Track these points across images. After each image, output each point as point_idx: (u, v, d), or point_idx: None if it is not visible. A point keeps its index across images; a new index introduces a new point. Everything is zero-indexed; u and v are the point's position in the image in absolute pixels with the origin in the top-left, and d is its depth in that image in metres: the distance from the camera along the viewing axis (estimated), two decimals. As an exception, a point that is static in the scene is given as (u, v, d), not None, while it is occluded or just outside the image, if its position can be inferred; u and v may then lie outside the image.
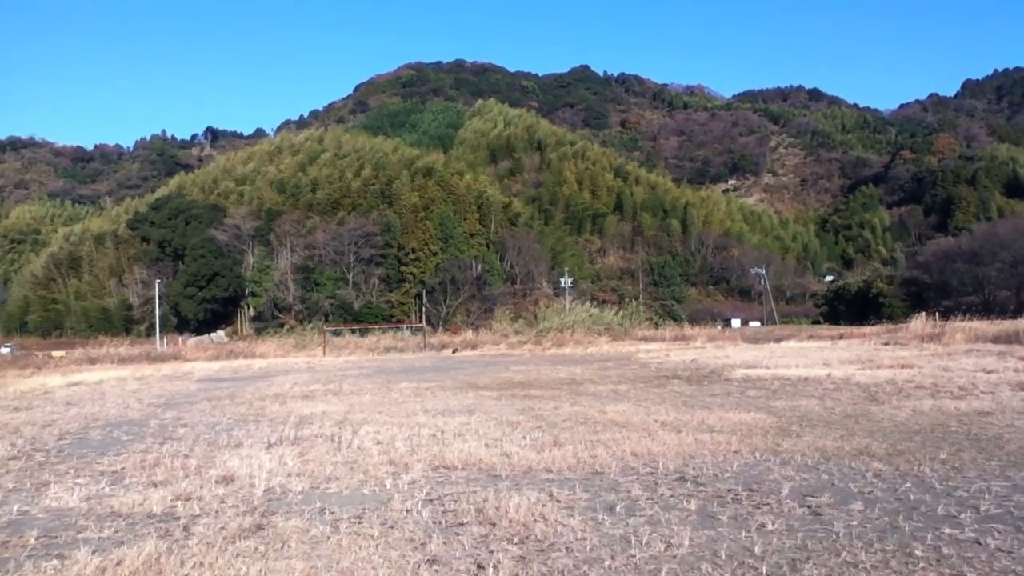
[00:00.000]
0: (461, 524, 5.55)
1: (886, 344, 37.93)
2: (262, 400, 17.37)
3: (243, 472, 7.91)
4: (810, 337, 48.57)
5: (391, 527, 5.49)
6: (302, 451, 9.36)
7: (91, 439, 11.60)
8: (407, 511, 5.98)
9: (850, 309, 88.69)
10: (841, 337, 45.93)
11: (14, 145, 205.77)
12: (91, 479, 7.95)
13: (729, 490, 6.43)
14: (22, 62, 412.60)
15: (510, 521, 5.48)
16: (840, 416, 11.56)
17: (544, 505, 5.96)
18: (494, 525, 5.45)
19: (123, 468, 8.55)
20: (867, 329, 51.42)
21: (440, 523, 5.61)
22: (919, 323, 42.98)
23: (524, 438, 9.89)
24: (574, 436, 9.91)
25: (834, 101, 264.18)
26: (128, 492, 7.06)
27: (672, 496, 6.27)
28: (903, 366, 21.72)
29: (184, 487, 7.13)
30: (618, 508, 5.87)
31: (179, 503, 6.55)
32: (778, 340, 47.68)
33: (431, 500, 6.41)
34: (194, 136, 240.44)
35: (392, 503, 6.28)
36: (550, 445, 9.16)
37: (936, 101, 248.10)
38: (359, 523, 5.66)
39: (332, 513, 6.03)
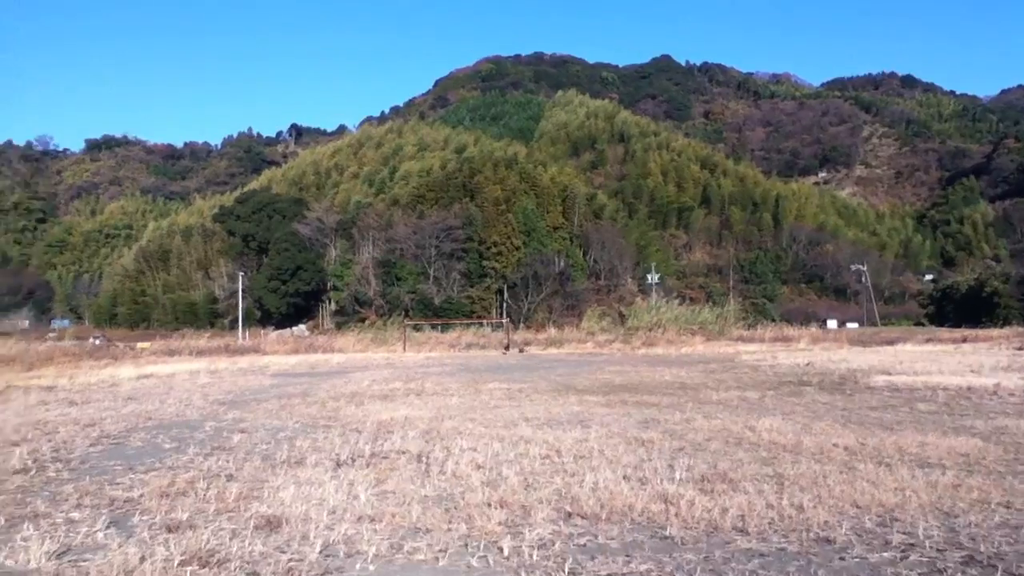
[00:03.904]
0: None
1: (1020, 349, 33.93)
2: (336, 400, 15.29)
3: (296, 511, 5.62)
4: (928, 340, 44.34)
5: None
6: (379, 477, 7.04)
7: (128, 446, 9.59)
8: (552, 619, 3.53)
9: (958, 310, 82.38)
10: (964, 340, 41.70)
11: (108, 144, 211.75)
12: (89, 514, 5.77)
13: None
14: (117, 63, 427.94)
15: (758, 667, 2.98)
16: (1086, 443, 8.66)
17: (794, 620, 3.43)
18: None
19: (141, 495, 6.36)
20: (994, 332, 46.84)
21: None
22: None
23: (671, 467, 7.35)
24: (740, 467, 7.32)
25: (929, 88, 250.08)
26: (126, 543, 4.84)
27: (1004, 605, 3.65)
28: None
29: (206, 538, 4.85)
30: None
31: (188, 572, 4.26)
32: (890, 343, 43.64)
33: (586, 592, 3.95)
34: (279, 133, 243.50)
35: (523, 596, 3.85)
36: (717, 481, 6.60)
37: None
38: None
39: (425, 615, 3.64)
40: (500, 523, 5.27)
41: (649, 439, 9.25)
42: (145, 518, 5.58)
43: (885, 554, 4.53)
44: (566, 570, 4.26)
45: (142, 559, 4.42)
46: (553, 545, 4.77)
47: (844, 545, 4.73)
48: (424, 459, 7.91)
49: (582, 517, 5.47)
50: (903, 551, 4.58)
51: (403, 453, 8.34)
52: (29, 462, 8.23)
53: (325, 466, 7.62)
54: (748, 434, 9.63)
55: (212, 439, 10.06)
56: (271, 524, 5.29)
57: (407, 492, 6.32)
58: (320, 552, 4.64)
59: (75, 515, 5.74)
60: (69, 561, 4.54)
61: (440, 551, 4.68)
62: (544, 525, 5.23)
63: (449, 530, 5.13)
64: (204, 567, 4.35)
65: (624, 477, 6.84)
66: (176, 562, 4.40)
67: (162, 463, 8.14)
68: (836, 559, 4.47)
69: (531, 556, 4.54)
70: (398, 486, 6.59)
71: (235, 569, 4.32)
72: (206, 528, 5.13)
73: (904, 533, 4.94)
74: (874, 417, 11.50)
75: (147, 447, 9.50)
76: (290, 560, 4.48)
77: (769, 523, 5.20)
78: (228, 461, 8.10)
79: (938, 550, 4.58)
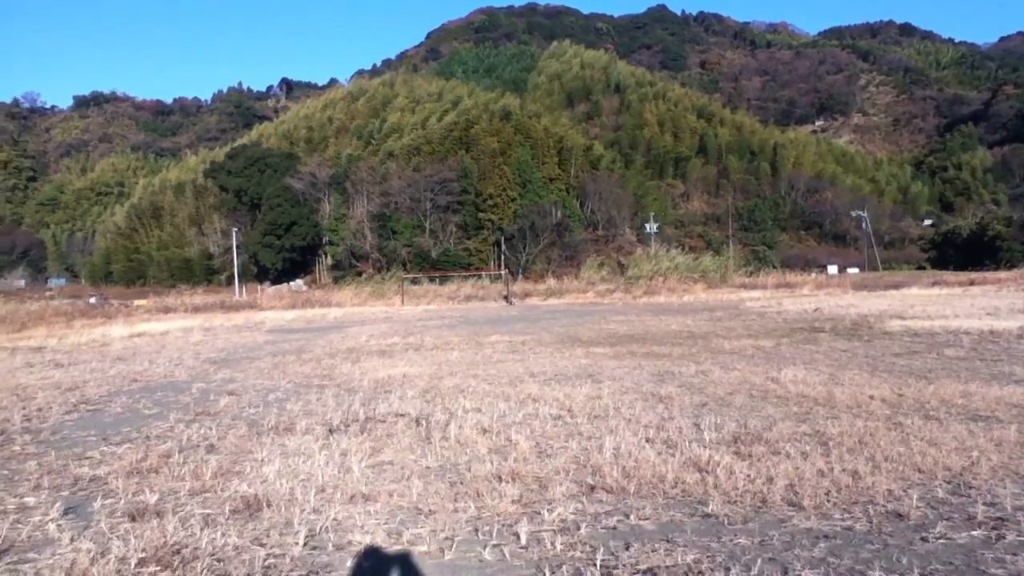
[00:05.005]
0: None
1: (1029, 291, 33.36)
2: (332, 357, 14.60)
3: (281, 490, 4.93)
4: (934, 283, 43.69)
5: None
6: (375, 444, 6.34)
7: (106, 413, 8.89)
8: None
9: (960, 254, 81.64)
10: (972, 283, 41.06)
11: (97, 100, 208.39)
12: (47, 498, 5.06)
13: None
14: (102, 18, 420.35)
15: None
16: None
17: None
18: None
19: (108, 473, 5.66)
20: (1001, 274, 46.18)
21: None
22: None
23: (697, 426, 6.66)
24: (773, 425, 6.61)
25: (927, 36, 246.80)
26: (80, 537, 4.14)
27: None
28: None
29: (173, 528, 4.15)
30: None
31: (145, 573, 3.56)
32: (896, 287, 43.01)
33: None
34: (270, 87, 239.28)
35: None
36: (752, 442, 5.90)
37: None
38: None
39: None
40: (513, 501, 4.57)
41: (667, 394, 8.57)
42: (108, 502, 4.87)
43: (974, 533, 3.85)
44: (598, 563, 3.57)
45: (93, 560, 3.72)
46: (578, 529, 4.08)
47: (920, 522, 4.04)
48: (424, 423, 7.21)
49: (607, 491, 4.77)
50: (994, 528, 3.89)
51: (401, 416, 7.64)
52: (-5, 433, 7.54)
53: (316, 433, 6.91)
54: (772, 386, 8.95)
55: (198, 403, 9.38)
56: (251, 507, 4.59)
57: (406, 463, 5.63)
58: (304, 544, 3.95)
59: (30, 500, 5.04)
60: (7, 564, 3.83)
61: (446, 539, 3.99)
62: (564, 502, 4.53)
63: (455, 511, 4.44)
64: (165, 568, 3.64)
65: (647, 440, 6.15)
66: (133, 562, 3.70)
67: (139, 432, 7.45)
68: (917, 540, 3.78)
69: (553, 544, 3.84)
70: (396, 456, 5.90)
71: (201, 571, 3.62)
72: (175, 515, 4.43)
73: (988, 504, 4.24)
74: (902, 364, 10.83)
75: (127, 413, 8.81)
76: (268, 556, 3.78)
77: (825, 494, 4.50)
78: (211, 428, 7.40)
79: (1029, 522, 3.90)
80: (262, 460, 5.84)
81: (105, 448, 6.68)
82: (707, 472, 5.02)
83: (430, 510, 4.47)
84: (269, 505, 4.61)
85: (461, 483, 5.03)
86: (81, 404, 9.59)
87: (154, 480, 5.37)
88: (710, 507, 4.36)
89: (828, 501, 4.40)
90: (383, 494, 4.78)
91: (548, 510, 4.37)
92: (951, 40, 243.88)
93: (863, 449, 5.55)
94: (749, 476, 4.88)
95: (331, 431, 7.02)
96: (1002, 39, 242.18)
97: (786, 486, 4.66)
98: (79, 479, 5.56)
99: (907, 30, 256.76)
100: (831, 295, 37.42)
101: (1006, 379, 9.08)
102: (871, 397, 7.95)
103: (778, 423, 6.66)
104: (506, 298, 44.40)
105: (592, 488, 4.84)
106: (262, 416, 8.07)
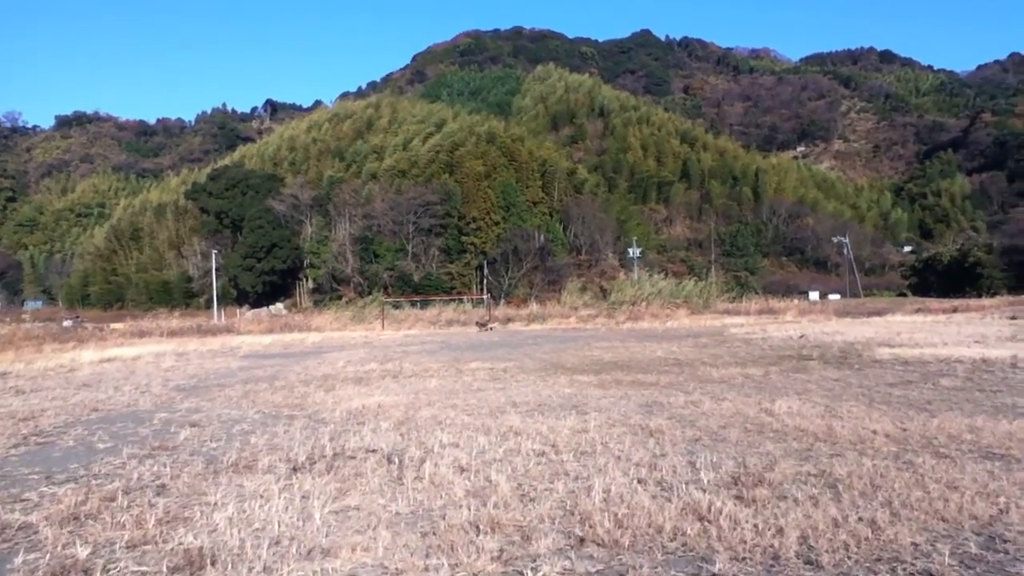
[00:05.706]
0: None
1: (1013, 319, 33.23)
2: (306, 385, 14.01)
3: (231, 542, 4.37)
4: (917, 310, 43.57)
5: None
6: (341, 485, 5.78)
7: (57, 446, 8.27)
8: None
9: (942, 280, 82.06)
10: (955, 310, 40.96)
11: (79, 120, 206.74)
12: (-37, 552, 4.47)
13: None
14: (86, 38, 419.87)
15: None
16: None
17: None
18: None
19: (41, 520, 5.06)
20: (985, 301, 46.22)
21: None
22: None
23: (692, 465, 6.16)
24: (774, 464, 6.11)
25: (907, 63, 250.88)
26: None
27: None
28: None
29: (99, 593, 3.59)
30: None
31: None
32: (879, 314, 42.85)
33: None
34: (254, 109, 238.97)
35: None
36: (753, 484, 5.39)
37: (1018, 60, 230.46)
38: None
39: None
40: (493, 557, 4.04)
41: (657, 427, 8.06)
42: (31, 557, 4.29)
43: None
44: (590, 641, 3.05)
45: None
46: (568, 597, 3.56)
47: (957, 586, 3.55)
48: (396, 460, 6.65)
49: (598, 544, 4.25)
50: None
51: (372, 452, 7.08)
52: (-72, 471, 6.90)
53: (278, 472, 6.34)
54: (767, 419, 8.47)
55: (157, 435, 8.77)
56: (193, 565, 4.03)
57: (374, 509, 5.07)
58: (248, 614, 3.40)
59: (-61, 555, 4.44)
60: None
61: (414, 607, 3.46)
62: (551, 559, 4.00)
63: (426, 570, 3.90)
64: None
65: (639, 481, 5.64)
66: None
67: (88, 470, 6.85)
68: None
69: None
70: (363, 500, 5.34)
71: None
72: (105, 574, 3.87)
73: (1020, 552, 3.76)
74: (898, 396, 10.40)
75: (79, 447, 8.19)
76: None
77: (844, 549, 4.00)
78: (165, 466, 6.81)
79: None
80: (215, 504, 5.28)
81: (45, 488, 6.09)
82: (709, 521, 4.51)
83: (397, 568, 3.92)
84: (214, 563, 4.05)
85: (434, 533, 4.49)
86: (32, 436, 8.97)
87: (90, 529, 4.79)
88: (716, 566, 3.85)
89: (848, 558, 3.90)
90: (345, 548, 4.23)
91: (532, 569, 3.84)
92: (931, 67, 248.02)
93: (877, 493, 5.07)
94: (756, 527, 4.37)
95: (295, 469, 6.45)
96: (980, 67, 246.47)
97: (799, 539, 4.16)
98: (6, 527, 4.96)
99: (887, 57, 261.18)
100: (815, 321, 37.17)
101: (1011, 412, 8.65)
102: (874, 432, 7.48)
103: (779, 462, 6.17)
104: (482, 324, 42.14)
105: (581, 540, 4.31)
106: (223, 451, 7.49)
